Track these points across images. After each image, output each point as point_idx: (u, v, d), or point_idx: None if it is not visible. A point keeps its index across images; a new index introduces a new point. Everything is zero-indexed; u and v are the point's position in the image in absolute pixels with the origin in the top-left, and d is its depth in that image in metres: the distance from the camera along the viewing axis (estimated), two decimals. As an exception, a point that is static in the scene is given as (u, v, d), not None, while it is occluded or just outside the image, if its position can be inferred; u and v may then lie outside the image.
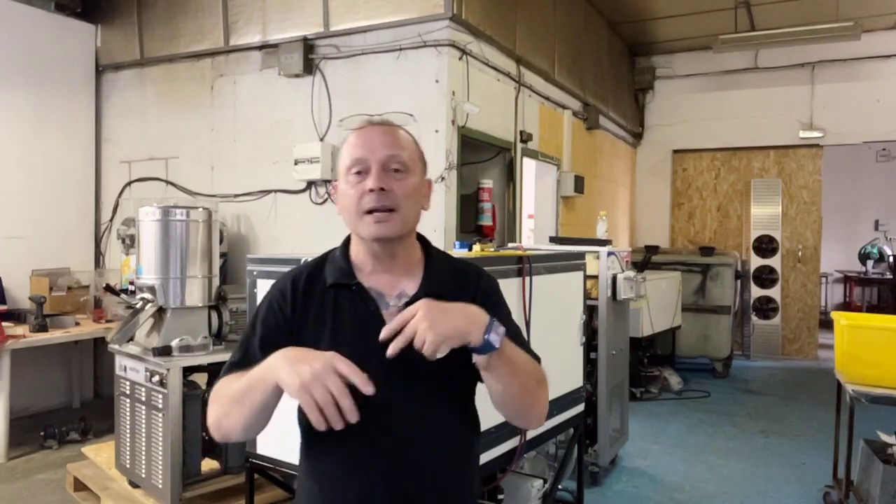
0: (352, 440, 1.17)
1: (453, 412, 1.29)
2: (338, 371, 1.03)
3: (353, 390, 1.05)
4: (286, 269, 2.65)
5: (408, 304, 1.21)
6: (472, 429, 1.36)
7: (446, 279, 1.30)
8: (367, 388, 1.04)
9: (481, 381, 1.22)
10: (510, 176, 5.27)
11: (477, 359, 1.13)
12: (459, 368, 1.19)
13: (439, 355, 1.08)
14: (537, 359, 1.31)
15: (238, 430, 1.19)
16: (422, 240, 1.38)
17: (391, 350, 1.07)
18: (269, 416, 1.18)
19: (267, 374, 1.09)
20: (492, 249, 3.21)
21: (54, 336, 4.41)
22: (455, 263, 1.39)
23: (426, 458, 1.24)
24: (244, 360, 1.23)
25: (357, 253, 1.31)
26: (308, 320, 1.26)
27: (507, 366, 1.16)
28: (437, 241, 4.15)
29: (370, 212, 1.22)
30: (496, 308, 1.31)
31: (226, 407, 1.17)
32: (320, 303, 1.28)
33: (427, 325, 1.05)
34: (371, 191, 1.21)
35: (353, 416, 1.02)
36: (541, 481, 2.95)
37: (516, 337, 1.30)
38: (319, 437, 1.15)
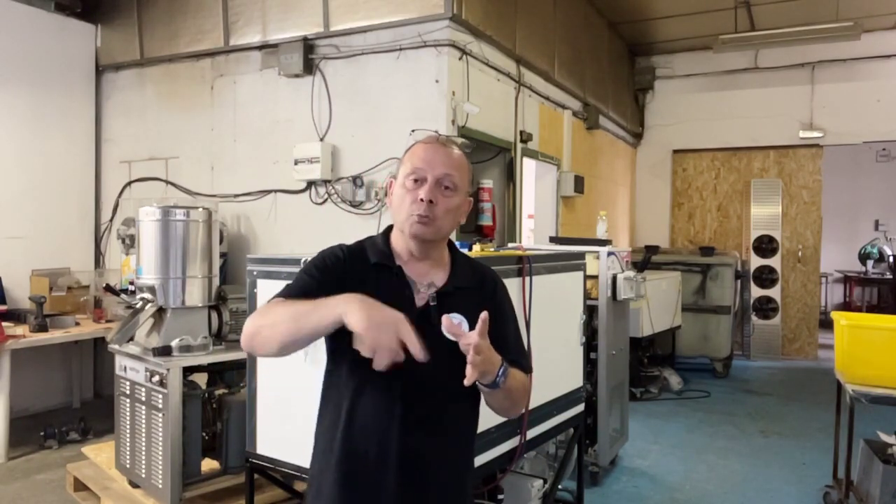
0: (371, 399, 1.39)
1: (461, 392, 1.39)
2: (400, 331, 1.18)
3: (385, 372, 1.23)
4: (286, 269, 2.69)
5: (439, 293, 1.43)
6: (472, 411, 1.54)
7: (469, 277, 1.51)
8: (420, 355, 1.19)
9: None
10: (510, 176, 5.27)
11: (480, 385, 1.34)
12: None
13: (454, 338, 1.29)
14: (529, 365, 1.53)
15: (275, 344, 1.30)
16: (450, 244, 1.58)
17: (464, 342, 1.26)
18: (307, 344, 1.31)
19: (335, 307, 1.22)
20: (492, 249, 3.21)
21: (54, 336, 4.41)
22: (476, 266, 1.59)
23: (434, 420, 1.43)
24: (299, 292, 1.38)
25: (397, 242, 1.49)
26: (354, 287, 1.35)
27: (504, 392, 1.37)
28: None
29: (416, 216, 1.41)
30: (507, 312, 1.55)
31: (275, 319, 1.29)
32: (363, 276, 1.44)
33: (482, 358, 1.25)
34: (422, 200, 1.40)
35: (415, 354, 1.19)
36: (541, 481, 2.95)
37: (518, 341, 1.55)
38: (345, 392, 1.40)
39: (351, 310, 1.20)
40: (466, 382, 1.24)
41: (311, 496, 1.47)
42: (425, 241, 1.45)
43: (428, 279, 1.47)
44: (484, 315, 1.25)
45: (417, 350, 1.18)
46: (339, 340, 1.32)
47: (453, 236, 4.59)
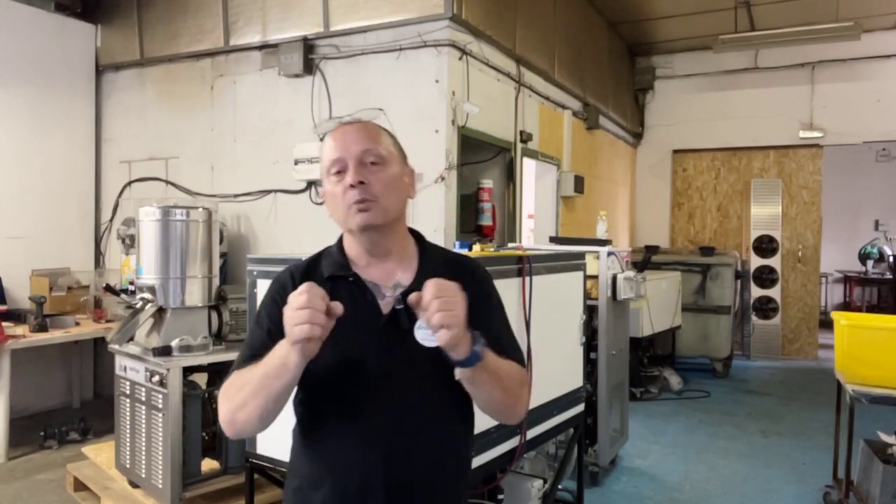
0: (349, 424, 1.27)
1: (448, 400, 1.31)
2: (297, 306, 1.09)
3: (359, 393, 1.23)
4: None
5: (405, 293, 1.25)
6: (463, 418, 1.38)
7: (441, 270, 1.29)
8: (338, 308, 1.11)
9: None
10: (510, 176, 5.27)
11: (460, 373, 1.17)
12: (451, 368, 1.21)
13: (430, 344, 1.12)
14: (521, 359, 1.37)
15: (254, 421, 1.22)
16: (416, 235, 1.43)
17: (412, 298, 1.11)
18: (285, 402, 1.23)
19: (285, 359, 1.13)
20: (492, 249, 3.21)
21: (54, 336, 4.41)
22: (449, 255, 1.45)
23: (420, 441, 1.29)
24: (253, 356, 1.26)
25: (351, 248, 1.37)
26: None
27: (490, 374, 1.20)
28: (437, 241, 4.13)
29: (353, 204, 1.27)
30: (488, 299, 1.39)
31: (241, 399, 1.21)
32: None
33: (451, 302, 1.09)
34: (352, 186, 1.27)
35: (338, 309, 1.11)
36: (541, 481, 2.95)
37: (505, 332, 1.39)
38: (320, 423, 1.29)
39: (291, 352, 1.11)
40: (434, 325, 1.08)
41: None
42: (377, 231, 1.30)
43: (393, 280, 1.33)
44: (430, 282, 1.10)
45: (332, 306, 1.10)
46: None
47: (452, 236, 4.56)
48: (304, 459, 1.35)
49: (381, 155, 1.31)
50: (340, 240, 1.40)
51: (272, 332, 1.28)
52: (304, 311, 1.08)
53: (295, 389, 1.26)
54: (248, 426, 1.24)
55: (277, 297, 1.33)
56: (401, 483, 1.26)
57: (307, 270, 1.37)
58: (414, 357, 1.20)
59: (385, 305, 1.29)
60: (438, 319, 1.08)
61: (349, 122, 1.36)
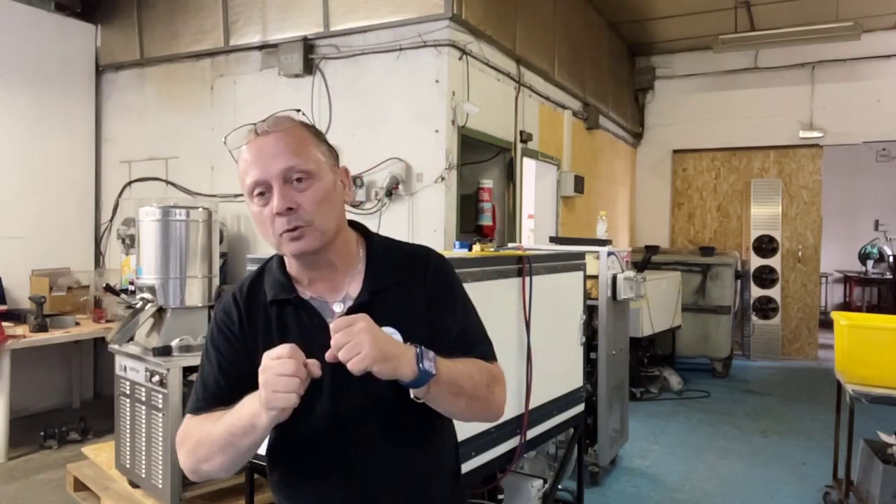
0: (315, 458, 1.20)
1: (413, 420, 1.22)
2: (281, 372, 1.01)
3: (316, 432, 1.16)
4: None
5: (352, 308, 1.17)
6: (436, 432, 1.28)
7: (391, 270, 1.24)
8: (315, 370, 1.03)
9: None
10: (510, 176, 5.27)
11: (415, 393, 1.09)
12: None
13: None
14: (488, 351, 1.26)
15: (222, 472, 1.16)
16: (363, 232, 1.31)
17: (328, 356, 1.03)
18: (253, 453, 1.15)
19: (254, 419, 1.05)
20: (492, 249, 3.21)
21: (54, 336, 4.41)
22: (401, 249, 1.31)
23: (387, 467, 1.20)
24: (208, 398, 1.20)
25: (291, 266, 1.25)
26: (258, 337, 1.22)
27: (448, 386, 1.11)
28: (438, 241, 4.15)
29: (284, 233, 1.15)
30: (448, 293, 1.27)
31: (204, 454, 1.14)
32: (265, 319, 1.23)
33: (355, 344, 1.01)
34: (279, 214, 1.13)
35: (315, 371, 1.03)
36: (541, 481, 2.95)
37: (470, 325, 1.28)
38: (289, 463, 1.23)
39: (262, 412, 1.03)
40: (353, 370, 1.00)
41: None
42: (315, 254, 1.17)
43: (341, 293, 1.22)
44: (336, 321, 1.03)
45: (312, 368, 1.02)
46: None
47: (452, 236, 4.54)
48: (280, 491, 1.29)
49: (307, 170, 1.15)
50: (278, 260, 1.28)
51: (223, 366, 1.21)
52: (290, 379, 0.99)
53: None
54: (216, 475, 1.17)
55: (224, 328, 1.24)
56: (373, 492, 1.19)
57: (250, 293, 1.26)
58: (368, 382, 1.08)
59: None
60: (351, 366, 1.01)
61: (265, 133, 1.16)
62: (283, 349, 1.02)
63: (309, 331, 1.18)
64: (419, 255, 1.30)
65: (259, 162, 1.14)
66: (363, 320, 1.04)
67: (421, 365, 1.05)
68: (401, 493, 1.21)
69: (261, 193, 1.15)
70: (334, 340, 1.02)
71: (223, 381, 1.18)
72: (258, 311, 1.24)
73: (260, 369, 1.02)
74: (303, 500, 1.24)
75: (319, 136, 1.24)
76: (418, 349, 1.07)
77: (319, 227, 1.15)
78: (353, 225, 1.30)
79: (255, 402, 1.04)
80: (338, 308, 1.21)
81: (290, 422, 1.06)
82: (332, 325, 1.03)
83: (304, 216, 1.13)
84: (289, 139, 1.16)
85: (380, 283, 1.21)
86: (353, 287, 1.22)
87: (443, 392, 1.10)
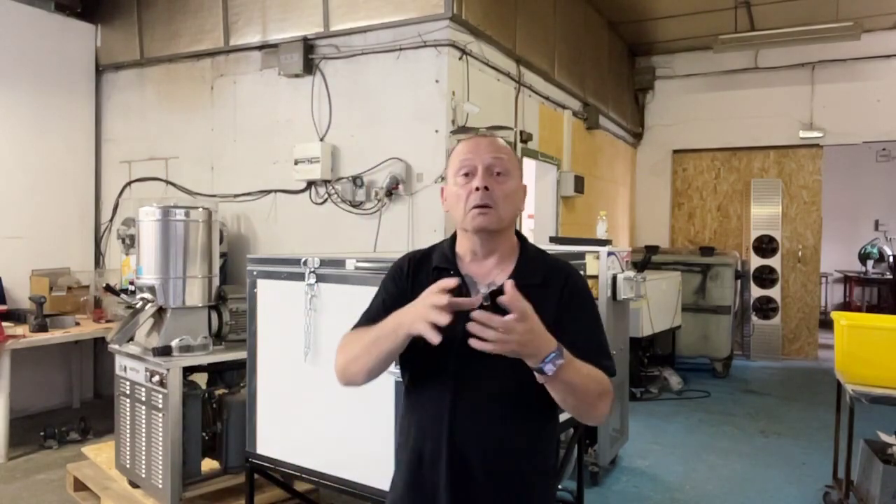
0: (432, 397, 1.43)
1: (517, 392, 1.39)
2: (435, 304, 1.22)
3: (444, 370, 1.39)
4: (286, 269, 2.69)
5: (493, 292, 1.32)
6: (538, 411, 1.44)
7: (534, 273, 1.45)
8: (468, 302, 1.22)
9: None
10: (510, 176, 5.26)
11: (536, 376, 1.27)
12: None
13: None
14: (609, 366, 1.42)
15: (363, 374, 1.41)
16: (521, 239, 1.54)
17: (473, 343, 1.20)
18: (390, 363, 1.40)
19: (397, 328, 1.30)
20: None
21: (54, 336, 4.41)
22: (548, 260, 1.53)
23: (482, 419, 1.40)
24: (369, 319, 1.47)
25: (461, 245, 1.50)
26: (417, 291, 1.40)
27: (565, 386, 1.28)
28: (437, 241, 4.14)
29: (475, 207, 1.40)
30: (580, 307, 1.47)
31: (355, 353, 1.41)
32: (425, 282, 1.43)
33: (500, 335, 1.17)
34: (477, 189, 1.40)
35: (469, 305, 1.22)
36: (541, 481, 2.94)
37: (594, 340, 1.45)
38: (413, 389, 1.48)
39: (404, 322, 1.28)
40: (477, 346, 1.19)
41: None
42: (490, 233, 1.43)
43: (490, 279, 1.45)
44: (509, 283, 1.19)
45: (461, 301, 1.21)
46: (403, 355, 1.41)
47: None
48: (403, 420, 1.54)
49: (506, 168, 1.45)
50: (454, 236, 1.54)
51: (386, 303, 1.48)
52: (438, 312, 1.20)
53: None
54: (358, 377, 1.42)
55: (395, 276, 1.53)
56: (462, 455, 1.38)
57: (421, 259, 1.54)
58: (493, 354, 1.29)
59: (477, 300, 1.38)
60: (491, 347, 1.18)
61: (483, 136, 1.50)
62: (444, 284, 1.24)
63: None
64: (562, 269, 1.51)
65: (474, 151, 1.45)
66: (518, 313, 1.18)
67: (542, 365, 1.23)
68: (494, 435, 1.40)
69: (465, 174, 1.44)
70: (497, 321, 1.17)
71: (383, 314, 1.41)
72: (421, 274, 1.50)
73: (422, 294, 1.27)
74: (418, 416, 1.47)
75: (516, 156, 1.57)
76: (554, 352, 1.23)
77: (501, 212, 1.42)
78: (516, 233, 1.54)
79: (402, 315, 1.30)
80: (483, 290, 1.40)
81: (423, 349, 1.29)
82: (506, 295, 1.18)
83: (496, 199, 1.41)
84: (500, 145, 1.48)
85: (522, 279, 1.33)
86: (501, 277, 1.43)
87: (558, 387, 1.28)
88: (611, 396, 1.40)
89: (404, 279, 1.52)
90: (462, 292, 1.38)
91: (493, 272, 1.46)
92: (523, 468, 1.44)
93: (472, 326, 1.18)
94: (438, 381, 1.41)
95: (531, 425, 1.45)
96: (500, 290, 1.27)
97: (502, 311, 1.21)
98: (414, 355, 1.40)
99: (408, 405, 1.52)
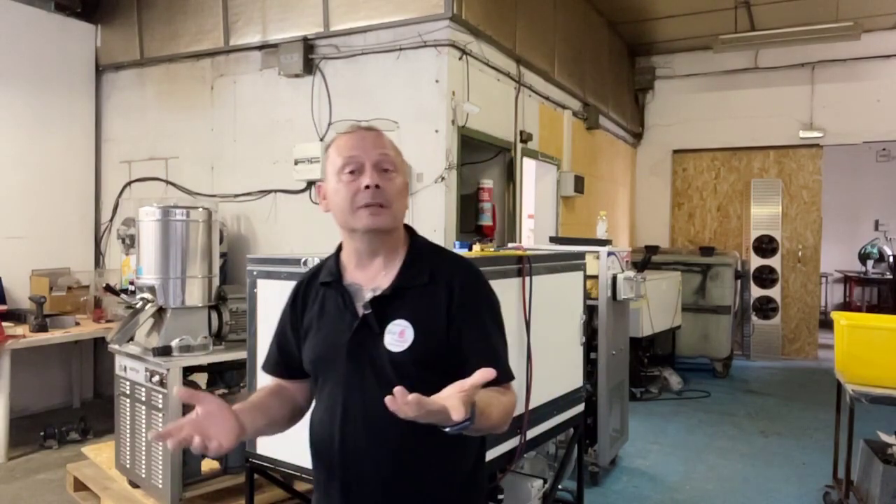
0: (326, 409, 1.37)
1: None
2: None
3: (333, 384, 1.35)
4: (286, 269, 2.69)
5: (375, 298, 1.33)
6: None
7: (421, 272, 1.36)
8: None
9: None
10: (510, 176, 5.27)
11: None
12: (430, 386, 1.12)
13: (396, 349, 1.30)
14: (503, 370, 1.30)
15: (284, 428, 1.50)
16: (410, 231, 1.45)
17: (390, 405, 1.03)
18: (284, 413, 1.46)
19: None
20: (492, 249, 3.21)
21: (54, 336, 4.41)
22: (440, 255, 1.44)
23: (385, 442, 1.29)
24: (269, 358, 1.51)
25: (346, 250, 1.43)
26: (311, 317, 1.43)
27: (477, 429, 1.15)
28: (437, 241, 4.14)
29: (366, 206, 1.31)
30: (474, 304, 1.36)
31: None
32: (315, 300, 1.43)
33: (414, 412, 1.01)
34: (367, 188, 1.30)
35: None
36: (541, 481, 2.95)
37: (492, 355, 1.32)
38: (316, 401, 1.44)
39: None
40: (393, 407, 1.01)
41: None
42: (381, 233, 1.34)
43: (374, 283, 1.36)
44: (390, 398, 1.00)
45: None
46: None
47: (452, 236, 4.56)
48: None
49: (394, 163, 1.36)
50: (339, 247, 1.46)
51: (279, 341, 1.49)
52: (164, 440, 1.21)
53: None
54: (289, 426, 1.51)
55: (288, 307, 1.50)
56: (354, 462, 1.31)
57: (310, 279, 1.48)
58: (378, 359, 1.29)
59: (362, 308, 1.34)
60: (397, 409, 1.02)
61: (365, 127, 1.40)
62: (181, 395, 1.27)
63: (340, 311, 1.37)
64: (453, 265, 1.41)
65: (359, 145, 1.35)
66: (428, 403, 1.02)
67: (452, 430, 1.08)
68: (384, 444, 1.30)
69: (351, 171, 1.33)
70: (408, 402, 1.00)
71: (275, 348, 1.48)
72: (312, 294, 1.45)
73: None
74: (314, 428, 1.42)
75: (399, 150, 1.43)
76: (466, 421, 1.06)
77: (394, 210, 1.34)
78: (406, 226, 1.45)
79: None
80: (368, 296, 1.35)
81: (311, 363, 1.39)
82: (390, 405, 1.01)
83: (387, 197, 1.32)
84: (386, 139, 1.39)
85: (407, 281, 1.34)
86: (385, 280, 1.36)
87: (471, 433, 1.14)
88: (515, 406, 1.31)
89: (298, 305, 1.47)
90: (345, 303, 1.36)
91: (378, 276, 1.37)
92: (423, 476, 1.32)
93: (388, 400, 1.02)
94: (328, 396, 1.37)
95: (430, 429, 1.18)
96: (382, 297, 1.30)
97: (386, 318, 1.27)
98: (308, 369, 1.43)
99: (313, 413, 1.47)
